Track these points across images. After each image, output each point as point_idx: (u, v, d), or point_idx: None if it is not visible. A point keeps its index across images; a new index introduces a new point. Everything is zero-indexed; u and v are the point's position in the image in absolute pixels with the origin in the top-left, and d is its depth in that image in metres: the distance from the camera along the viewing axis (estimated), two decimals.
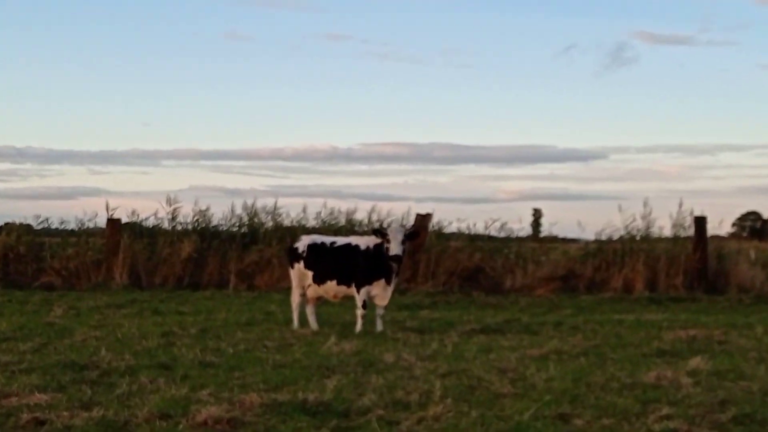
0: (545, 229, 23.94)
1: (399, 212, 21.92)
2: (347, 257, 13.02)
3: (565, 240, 23.96)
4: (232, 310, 15.90)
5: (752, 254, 20.53)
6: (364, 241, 13.10)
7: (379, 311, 12.98)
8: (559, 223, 24.51)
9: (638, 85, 64.60)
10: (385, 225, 20.67)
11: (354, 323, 12.99)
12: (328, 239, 13.68)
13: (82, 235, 21.97)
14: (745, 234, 47.23)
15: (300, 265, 13.37)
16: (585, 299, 18.79)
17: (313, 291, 13.34)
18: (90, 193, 48.78)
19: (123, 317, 14.88)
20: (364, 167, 63.44)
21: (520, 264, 20.68)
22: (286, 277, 20.37)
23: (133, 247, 20.77)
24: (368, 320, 13.01)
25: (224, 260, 20.91)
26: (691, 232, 20.79)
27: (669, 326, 13.51)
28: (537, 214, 25.55)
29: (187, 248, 20.75)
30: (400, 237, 12.69)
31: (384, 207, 23.11)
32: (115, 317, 14.86)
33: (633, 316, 15.26)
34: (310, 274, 13.28)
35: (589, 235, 22.62)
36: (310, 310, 13.43)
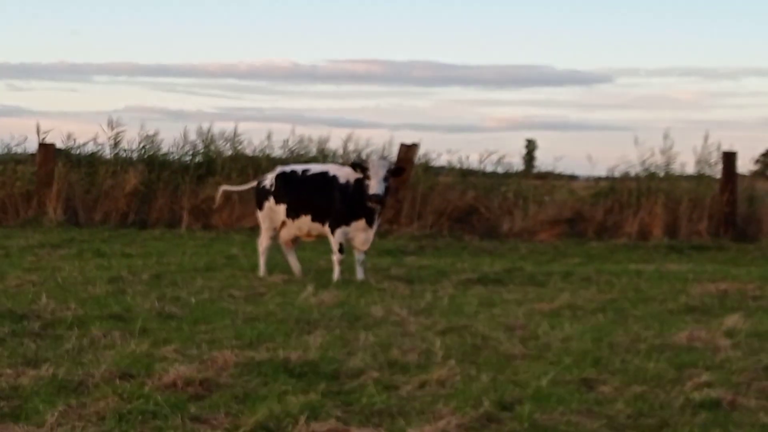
0: (540, 164, 23.72)
1: (379, 141, 21.94)
2: (323, 188, 12.92)
3: (562, 177, 23.77)
4: (188, 252, 15.88)
5: None
6: (345, 174, 12.94)
7: (360, 257, 12.97)
8: (564, 157, 24.41)
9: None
10: (364, 156, 20.74)
11: (330, 270, 13.02)
12: (300, 167, 13.62)
13: (9, 162, 21.79)
14: None
15: (270, 203, 13.28)
16: (595, 246, 18.91)
17: (287, 231, 13.28)
18: (9, 113, 48.32)
19: (61, 259, 14.87)
20: (330, 88, 62.86)
21: (520, 205, 20.74)
22: (248, 216, 20.48)
23: (69, 177, 20.65)
24: (347, 267, 13.04)
25: (176, 195, 20.86)
26: (717, 170, 20.90)
27: (695, 279, 13.59)
28: (531, 146, 25.64)
29: (132, 180, 20.65)
30: (382, 173, 12.58)
31: (361, 135, 23.12)
32: (52, 259, 14.85)
33: (652, 267, 15.36)
34: (282, 209, 13.21)
35: (595, 171, 22.71)
36: (289, 254, 13.42)
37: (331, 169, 13.24)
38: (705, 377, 7.09)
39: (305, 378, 7.05)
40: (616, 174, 21.54)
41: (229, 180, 20.94)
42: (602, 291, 12.32)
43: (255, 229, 20.32)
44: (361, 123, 51.31)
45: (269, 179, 13.38)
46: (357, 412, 6.25)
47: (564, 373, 7.26)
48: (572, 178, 24.17)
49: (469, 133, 53.58)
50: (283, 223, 13.27)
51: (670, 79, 67.02)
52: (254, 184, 13.95)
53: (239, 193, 20.61)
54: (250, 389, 6.66)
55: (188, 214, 20.50)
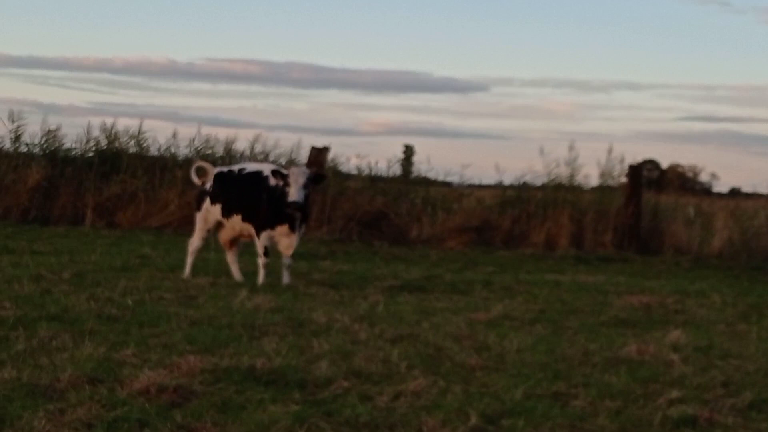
0: (417, 170, 23.51)
1: (288, 144, 21.79)
2: (254, 188, 12.82)
3: (437, 183, 23.69)
4: (98, 251, 15.57)
5: (692, 211, 21.06)
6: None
7: (285, 261, 12.87)
8: (434, 163, 24.09)
9: (527, 9, 65.06)
10: (272, 158, 20.63)
11: (255, 273, 12.91)
12: (237, 167, 13.57)
13: None
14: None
15: (206, 204, 13.16)
16: (504, 255, 19.04)
17: (224, 232, 13.16)
18: None
19: None
20: (206, 86, 62.18)
21: (428, 211, 20.78)
22: (153, 215, 20.20)
23: None
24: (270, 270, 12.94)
25: (79, 191, 20.44)
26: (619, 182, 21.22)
27: (614, 291, 13.77)
28: (408, 152, 25.60)
29: (34, 175, 20.22)
30: (301, 180, 12.50)
31: (270, 137, 22.93)
32: None
33: (567, 278, 15.53)
34: (217, 209, 13.10)
35: (459, 179, 22.74)
36: (230, 259, 13.30)
37: (266, 169, 13.11)
38: (675, 393, 7.13)
39: (274, 386, 6.91)
40: (514, 183, 21.75)
41: (135, 179, 20.63)
42: (528, 301, 12.38)
43: (161, 229, 20.14)
44: (237, 123, 51.03)
45: (209, 179, 13.27)
46: (343, 423, 6.13)
47: (534, 386, 7.25)
48: (447, 185, 24.16)
49: (345, 136, 53.73)
50: (221, 224, 13.12)
51: (545, 90, 67.99)
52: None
53: (145, 191, 20.37)
54: (225, 397, 6.50)
55: (92, 212, 20.11)
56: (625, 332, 10.21)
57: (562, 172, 21.43)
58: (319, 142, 21.21)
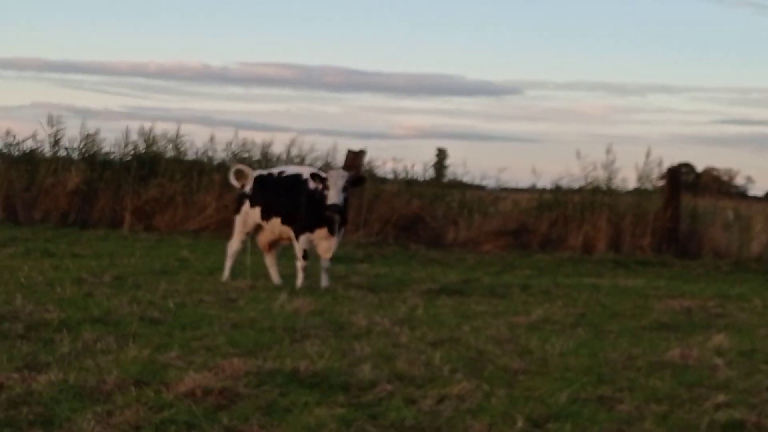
0: (451, 173, 23.43)
1: (324, 147, 21.80)
2: (293, 191, 12.85)
3: (471, 186, 23.61)
4: (136, 254, 15.66)
5: (731, 215, 20.93)
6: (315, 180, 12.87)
7: (324, 264, 12.87)
8: (468, 166, 23.98)
9: (561, 13, 64.78)
10: (309, 161, 20.66)
11: (293, 276, 12.94)
12: (277, 170, 13.62)
13: None
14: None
15: (246, 206, 13.20)
16: (541, 258, 18.98)
17: (263, 235, 13.18)
18: None
19: (10, 258, 14.63)
20: (240, 90, 62.17)
21: (465, 215, 20.74)
22: (191, 218, 20.27)
23: (9, 174, 20.24)
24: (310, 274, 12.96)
25: (118, 195, 20.54)
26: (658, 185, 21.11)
27: (654, 295, 13.71)
28: (441, 155, 25.52)
29: (74, 179, 20.33)
30: (340, 183, 12.52)
31: (305, 140, 22.96)
32: (1, 258, 14.57)
33: (606, 281, 15.46)
34: (257, 211, 13.12)
35: (495, 183, 22.64)
36: (269, 262, 13.31)
37: (305, 172, 13.12)
38: (721, 398, 7.07)
39: (318, 389, 6.90)
40: (551, 186, 21.68)
41: (172, 182, 20.72)
42: (568, 305, 12.32)
43: (198, 232, 20.20)
44: (271, 126, 51.15)
45: (249, 183, 13.31)
46: (389, 426, 6.12)
47: (579, 390, 7.21)
48: (480, 188, 24.09)
49: (378, 140, 53.64)
50: (260, 227, 13.14)
51: (578, 94, 67.59)
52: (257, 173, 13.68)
53: (182, 195, 20.45)
54: (270, 400, 6.50)
55: (131, 215, 20.20)
56: (667, 336, 10.16)
57: (600, 175, 21.36)
58: (353, 146, 21.23)
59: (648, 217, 20.40)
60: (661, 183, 21.19)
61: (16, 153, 21.40)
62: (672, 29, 67.12)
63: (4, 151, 21.37)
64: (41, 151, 21.43)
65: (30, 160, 21.30)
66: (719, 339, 9.56)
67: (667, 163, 21.18)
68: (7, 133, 21.37)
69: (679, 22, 66.87)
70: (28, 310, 9.41)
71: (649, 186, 21.42)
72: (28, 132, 21.50)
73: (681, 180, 20.82)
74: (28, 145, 21.48)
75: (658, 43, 67.51)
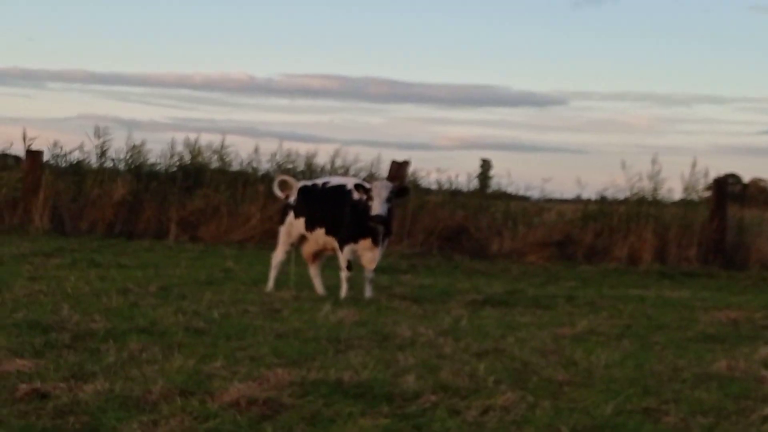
0: (495, 184, 23.37)
1: (368, 158, 21.82)
2: (337, 202, 12.86)
3: (516, 197, 23.60)
4: (182, 265, 15.73)
5: None
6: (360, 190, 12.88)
7: (368, 275, 12.88)
8: (512, 177, 23.95)
9: (606, 23, 64.56)
10: (353, 172, 20.70)
11: (337, 287, 12.95)
12: (321, 180, 13.65)
13: None
14: None
15: (290, 217, 13.24)
16: (586, 270, 18.89)
17: (307, 245, 13.22)
18: None
19: (57, 268, 14.71)
20: (284, 102, 62.42)
21: (509, 225, 20.70)
22: (235, 229, 20.36)
23: (56, 185, 20.42)
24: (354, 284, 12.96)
25: (163, 206, 20.66)
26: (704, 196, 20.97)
27: (700, 306, 13.61)
28: (485, 166, 25.46)
29: (120, 190, 20.48)
30: (384, 194, 12.51)
31: (349, 151, 23.00)
32: (48, 268, 14.68)
33: (652, 293, 15.36)
34: (301, 222, 13.16)
35: (539, 193, 22.58)
36: (313, 273, 13.35)
37: (350, 183, 13.14)
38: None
39: (362, 399, 6.91)
40: (595, 197, 21.60)
41: (217, 193, 20.82)
42: (613, 316, 12.26)
43: (243, 243, 20.29)
44: (314, 137, 51.18)
45: (293, 194, 13.35)
46: None
47: (624, 402, 7.17)
48: (524, 198, 24.04)
49: (421, 150, 53.51)
50: (304, 238, 13.18)
51: (624, 104, 67.23)
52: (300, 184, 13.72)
53: (227, 205, 20.54)
54: (314, 410, 6.52)
55: (176, 226, 20.31)
56: (713, 348, 10.08)
57: (645, 186, 21.24)
58: (396, 157, 21.25)
59: (694, 228, 20.25)
60: (708, 194, 21.02)
61: (63, 164, 21.61)
62: (718, 39, 66.70)
63: (52, 162, 21.55)
64: (88, 162, 21.63)
65: (77, 171, 21.49)
66: (766, 351, 9.49)
67: (714, 174, 21.05)
68: (55, 144, 21.61)
69: (725, 31, 66.46)
70: (74, 320, 9.51)
71: (695, 197, 21.27)
72: (74, 143, 21.73)
73: (727, 191, 20.64)
74: (75, 156, 21.69)
75: (704, 53, 67.12)
